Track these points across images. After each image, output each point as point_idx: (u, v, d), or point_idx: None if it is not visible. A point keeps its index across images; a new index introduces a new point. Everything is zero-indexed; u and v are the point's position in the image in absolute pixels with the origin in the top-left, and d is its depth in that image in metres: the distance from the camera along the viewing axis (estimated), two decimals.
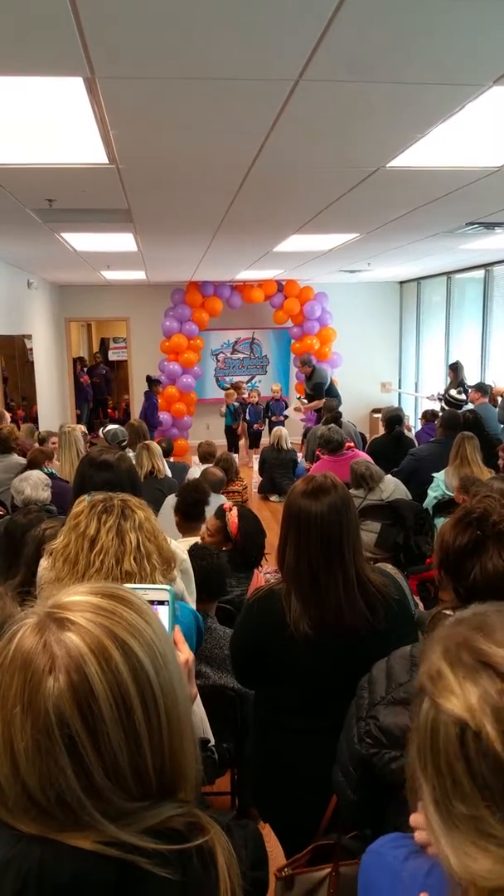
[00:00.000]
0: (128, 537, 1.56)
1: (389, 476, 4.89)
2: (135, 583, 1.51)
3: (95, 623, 0.78)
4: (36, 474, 4.24)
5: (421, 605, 3.41)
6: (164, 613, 1.07)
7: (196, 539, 3.45)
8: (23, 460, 5.35)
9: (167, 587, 1.12)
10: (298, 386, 11.35)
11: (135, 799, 0.77)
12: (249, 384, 12.01)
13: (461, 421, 5.73)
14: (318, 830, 1.79)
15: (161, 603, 1.08)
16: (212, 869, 0.78)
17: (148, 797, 0.78)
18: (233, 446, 10.45)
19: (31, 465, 4.92)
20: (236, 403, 10.53)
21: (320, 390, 9.67)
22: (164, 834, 0.77)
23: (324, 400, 9.48)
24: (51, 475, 4.54)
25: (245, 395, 10.70)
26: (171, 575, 1.67)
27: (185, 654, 1.07)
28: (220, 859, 0.79)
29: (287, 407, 10.58)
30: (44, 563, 2.12)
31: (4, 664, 0.77)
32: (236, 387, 10.88)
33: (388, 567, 2.72)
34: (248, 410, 10.54)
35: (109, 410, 15.02)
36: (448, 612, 1.45)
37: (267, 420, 10.39)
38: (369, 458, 5.40)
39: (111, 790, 0.75)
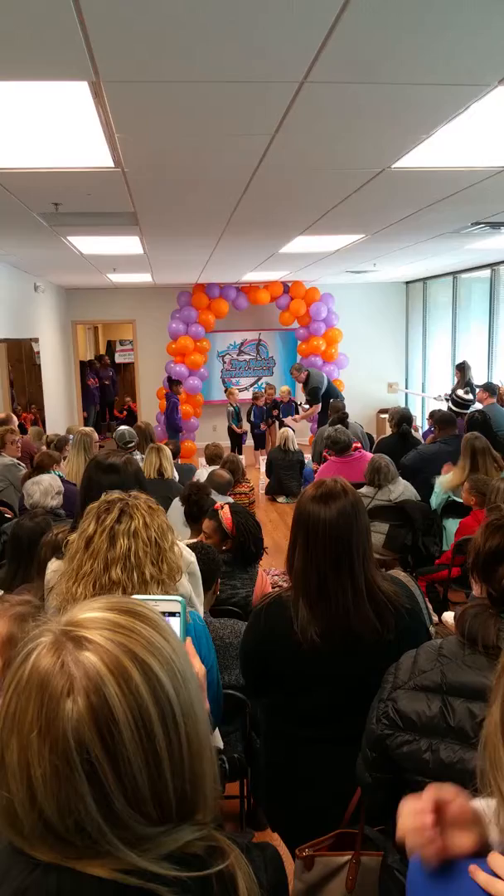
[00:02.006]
0: (119, 542, 1.52)
1: (399, 477, 4.89)
2: (119, 592, 1.47)
3: (113, 641, 0.75)
4: (48, 480, 4.22)
5: (430, 608, 3.39)
6: (175, 625, 1.03)
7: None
8: (14, 461, 5.41)
9: (178, 598, 1.09)
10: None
11: (154, 824, 0.74)
12: (256, 386, 12.01)
13: (454, 417, 5.85)
14: (343, 819, 1.79)
15: (172, 615, 1.04)
16: (232, 895, 0.76)
17: (167, 821, 0.75)
18: (260, 445, 10.48)
19: (39, 468, 4.93)
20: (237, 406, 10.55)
21: (316, 395, 9.53)
22: (184, 860, 0.74)
23: (319, 406, 9.46)
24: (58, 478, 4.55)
25: (277, 396, 10.62)
26: (174, 584, 1.62)
27: (196, 667, 1.03)
28: (241, 884, 0.76)
29: (296, 408, 10.54)
30: (52, 566, 2.12)
31: (20, 686, 0.74)
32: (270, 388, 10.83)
33: (401, 575, 2.72)
34: (252, 412, 10.52)
35: (116, 412, 15.07)
36: (477, 608, 1.49)
37: (279, 422, 10.33)
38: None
39: (131, 816, 0.72)
